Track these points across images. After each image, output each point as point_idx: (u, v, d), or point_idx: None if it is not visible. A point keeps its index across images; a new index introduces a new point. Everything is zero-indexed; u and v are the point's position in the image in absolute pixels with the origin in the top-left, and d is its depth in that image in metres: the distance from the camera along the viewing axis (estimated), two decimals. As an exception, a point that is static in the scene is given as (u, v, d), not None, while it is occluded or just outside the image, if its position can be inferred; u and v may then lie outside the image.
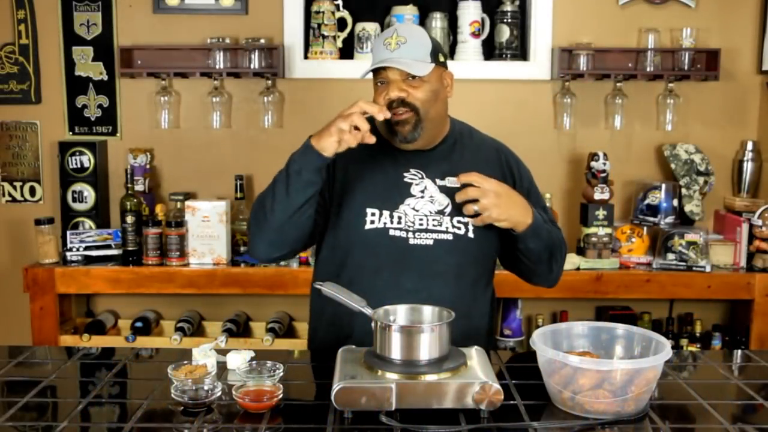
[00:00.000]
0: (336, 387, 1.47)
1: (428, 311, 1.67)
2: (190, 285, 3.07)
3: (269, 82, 3.23)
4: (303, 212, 1.81)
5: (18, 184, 3.36)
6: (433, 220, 1.89)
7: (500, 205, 1.80)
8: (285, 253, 1.91)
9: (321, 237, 1.98)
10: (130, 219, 3.11)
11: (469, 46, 3.25)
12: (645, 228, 3.21)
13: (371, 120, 1.85)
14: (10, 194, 3.36)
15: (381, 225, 1.88)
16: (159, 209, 3.19)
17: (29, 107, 3.32)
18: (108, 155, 3.32)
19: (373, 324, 1.60)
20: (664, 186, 3.18)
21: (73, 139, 3.29)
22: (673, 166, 3.22)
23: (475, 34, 3.25)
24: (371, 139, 1.76)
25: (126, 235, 3.12)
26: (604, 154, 3.11)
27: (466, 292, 1.92)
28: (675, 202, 3.18)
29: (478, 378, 1.50)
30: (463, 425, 1.46)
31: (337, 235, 1.93)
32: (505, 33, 3.27)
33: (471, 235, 1.90)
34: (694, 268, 3.05)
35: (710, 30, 3.27)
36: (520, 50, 3.31)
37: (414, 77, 1.83)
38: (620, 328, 1.69)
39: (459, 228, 1.89)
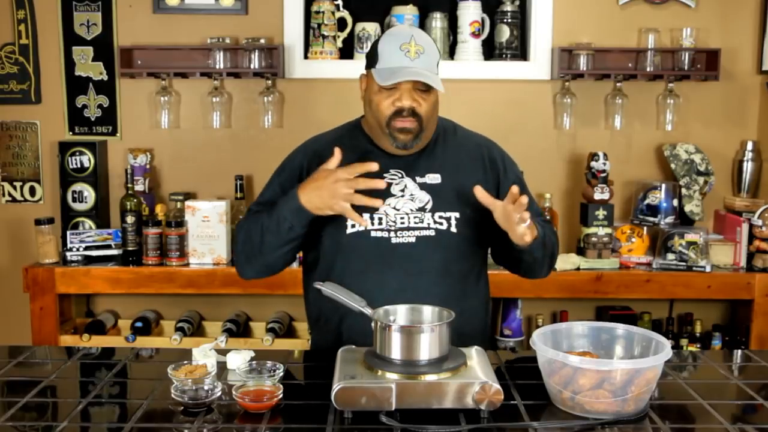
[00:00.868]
0: (336, 387, 1.47)
1: (428, 311, 1.67)
2: (190, 285, 3.07)
3: (269, 82, 3.23)
4: (291, 248, 1.90)
5: (18, 184, 3.36)
6: (415, 217, 1.89)
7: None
8: (273, 274, 2.01)
9: (306, 245, 1.98)
10: (130, 219, 3.11)
11: (469, 46, 3.25)
12: (645, 228, 3.21)
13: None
14: (10, 194, 3.37)
15: (362, 228, 1.89)
16: (159, 209, 3.19)
17: (29, 107, 3.32)
18: (108, 155, 3.32)
19: (373, 324, 1.60)
20: (664, 186, 3.18)
21: (73, 139, 3.29)
22: (673, 166, 3.22)
23: (475, 34, 3.25)
24: (378, 203, 1.78)
25: (126, 235, 3.12)
26: (604, 154, 3.11)
27: (454, 287, 1.92)
28: (675, 202, 3.18)
29: (478, 378, 1.50)
30: (463, 425, 1.46)
31: (320, 242, 1.94)
32: (505, 33, 3.27)
33: (454, 229, 1.90)
34: (694, 268, 3.05)
35: (710, 30, 3.27)
36: (520, 50, 3.31)
37: (426, 89, 1.83)
38: (620, 328, 1.69)
39: (441, 223, 1.90)
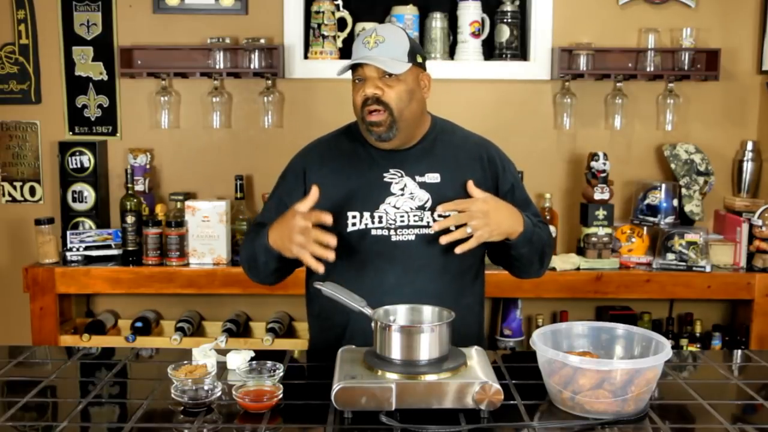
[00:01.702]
0: (336, 387, 1.47)
1: (428, 311, 1.68)
2: (190, 285, 3.07)
3: (269, 82, 3.23)
4: (277, 270, 1.94)
5: (18, 184, 3.36)
6: (414, 215, 1.92)
7: (489, 223, 1.82)
8: (283, 279, 2.03)
9: None
10: (130, 219, 3.11)
11: (469, 46, 3.25)
12: (645, 228, 3.21)
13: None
14: (10, 194, 3.36)
15: (362, 226, 1.92)
16: (159, 209, 3.19)
17: (29, 107, 3.32)
18: (108, 155, 3.32)
19: (373, 324, 1.60)
20: (664, 186, 3.18)
21: (73, 139, 3.29)
22: (673, 166, 3.22)
23: (475, 34, 3.25)
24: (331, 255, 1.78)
25: (126, 235, 3.12)
26: (604, 154, 3.11)
27: (451, 285, 1.94)
28: (675, 202, 3.18)
29: (478, 378, 1.50)
30: (463, 425, 1.46)
31: None
32: (505, 33, 3.27)
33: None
34: (694, 268, 3.05)
35: (710, 30, 3.26)
36: (520, 50, 3.31)
37: (390, 76, 1.86)
38: (620, 328, 1.69)
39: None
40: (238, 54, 3.24)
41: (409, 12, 3.21)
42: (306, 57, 3.27)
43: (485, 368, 1.55)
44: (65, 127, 3.33)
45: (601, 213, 3.09)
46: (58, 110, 3.32)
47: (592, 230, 3.11)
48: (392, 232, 1.91)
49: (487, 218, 1.81)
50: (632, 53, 3.26)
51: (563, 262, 3.07)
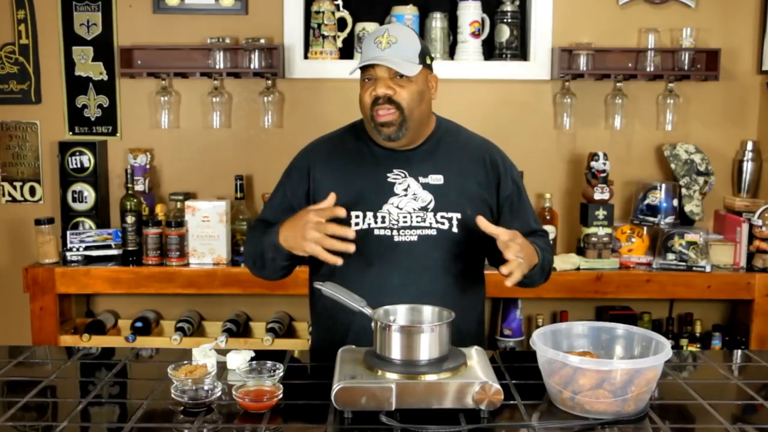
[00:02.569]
0: (336, 387, 1.47)
1: (428, 311, 1.68)
2: (190, 285, 3.07)
3: (269, 82, 3.23)
4: (283, 268, 1.96)
5: (18, 184, 3.36)
6: (417, 216, 1.92)
7: (524, 252, 1.79)
8: (288, 275, 2.04)
9: None
10: (130, 219, 3.11)
11: (469, 46, 3.25)
12: (645, 228, 3.21)
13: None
14: (10, 194, 3.36)
15: (365, 226, 1.92)
16: (159, 209, 3.19)
17: (29, 107, 3.32)
18: (108, 155, 3.32)
19: (373, 324, 1.60)
20: (664, 186, 3.18)
21: (73, 139, 3.29)
22: (673, 166, 3.22)
23: (475, 34, 3.25)
24: (351, 247, 1.78)
25: (126, 235, 3.12)
26: (604, 154, 3.11)
27: (453, 285, 1.96)
28: (675, 202, 3.18)
29: (478, 378, 1.50)
30: (463, 425, 1.46)
31: None
32: (505, 33, 3.27)
33: (455, 230, 1.94)
34: (694, 268, 3.05)
35: (710, 30, 3.26)
36: (520, 50, 3.31)
37: (401, 76, 1.87)
38: (620, 328, 1.69)
39: (443, 223, 1.93)
40: (238, 54, 3.24)
41: (409, 12, 3.21)
42: (306, 57, 3.27)
43: (485, 368, 1.55)
44: (65, 127, 3.33)
45: (601, 213, 3.09)
46: (58, 110, 3.32)
47: (592, 230, 3.11)
48: (395, 232, 1.92)
49: (523, 252, 1.80)
50: (632, 53, 3.26)
51: (563, 262, 3.07)
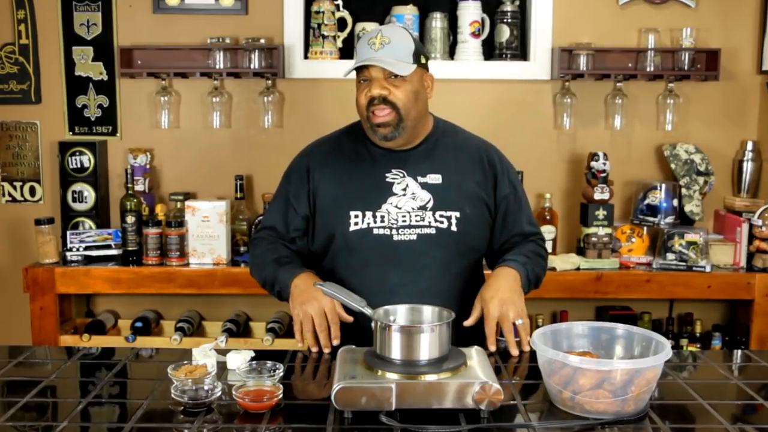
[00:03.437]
0: (336, 387, 1.47)
1: (428, 311, 1.68)
2: (190, 285, 3.07)
3: (269, 82, 3.23)
4: None
5: (18, 184, 3.36)
6: (416, 215, 1.93)
7: (514, 301, 1.88)
8: None
9: (310, 243, 2.05)
10: (130, 219, 3.11)
11: (469, 46, 3.25)
12: (645, 228, 3.21)
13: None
14: (10, 194, 3.36)
15: (365, 225, 1.93)
16: (159, 209, 3.19)
17: (29, 107, 3.32)
18: (108, 155, 3.32)
19: (373, 324, 1.60)
20: (664, 186, 3.18)
21: (73, 139, 3.29)
22: (673, 166, 3.22)
23: (475, 34, 3.25)
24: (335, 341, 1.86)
25: (126, 235, 3.12)
26: (604, 154, 3.11)
27: (453, 284, 1.97)
28: (675, 202, 3.18)
29: (478, 378, 1.50)
30: (463, 425, 1.46)
31: (323, 240, 1.99)
32: (505, 33, 3.27)
33: (454, 228, 1.94)
34: (694, 268, 3.05)
35: (710, 30, 3.26)
36: (520, 50, 3.31)
37: (396, 76, 1.88)
38: (620, 328, 1.69)
39: (441, 222, 1.94)
40: (238, 54, 3.24)
41: (409, 12, 3.21)
42: (306, 57, 3.27)
43: (485, 368, 1.55)
44: (65, 127, 3.33)
45: (601, 213, 3.09)
46: (58, 110, 3.32)
47: (592, 230, 3.11)
48: (394, 231, 1.92)
49: (505, 306, 1.87)
50: (632, 53, 3.26)
51: (563, 262, 3.07)
